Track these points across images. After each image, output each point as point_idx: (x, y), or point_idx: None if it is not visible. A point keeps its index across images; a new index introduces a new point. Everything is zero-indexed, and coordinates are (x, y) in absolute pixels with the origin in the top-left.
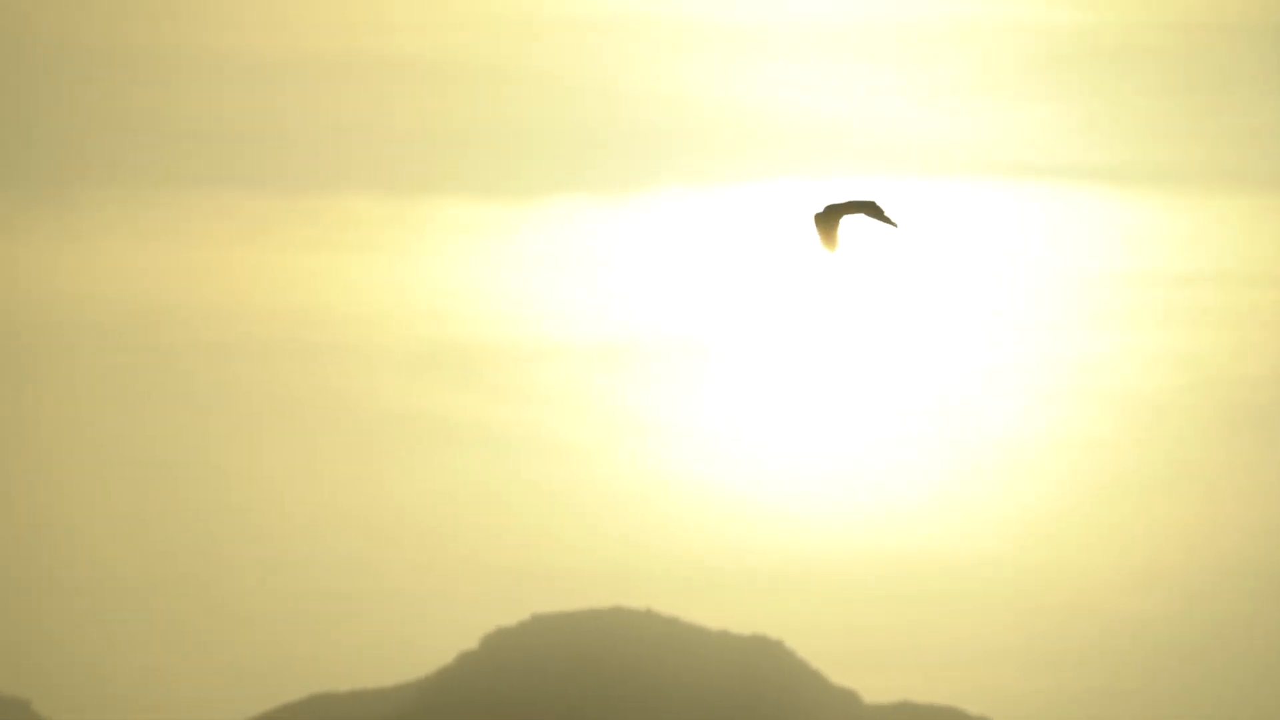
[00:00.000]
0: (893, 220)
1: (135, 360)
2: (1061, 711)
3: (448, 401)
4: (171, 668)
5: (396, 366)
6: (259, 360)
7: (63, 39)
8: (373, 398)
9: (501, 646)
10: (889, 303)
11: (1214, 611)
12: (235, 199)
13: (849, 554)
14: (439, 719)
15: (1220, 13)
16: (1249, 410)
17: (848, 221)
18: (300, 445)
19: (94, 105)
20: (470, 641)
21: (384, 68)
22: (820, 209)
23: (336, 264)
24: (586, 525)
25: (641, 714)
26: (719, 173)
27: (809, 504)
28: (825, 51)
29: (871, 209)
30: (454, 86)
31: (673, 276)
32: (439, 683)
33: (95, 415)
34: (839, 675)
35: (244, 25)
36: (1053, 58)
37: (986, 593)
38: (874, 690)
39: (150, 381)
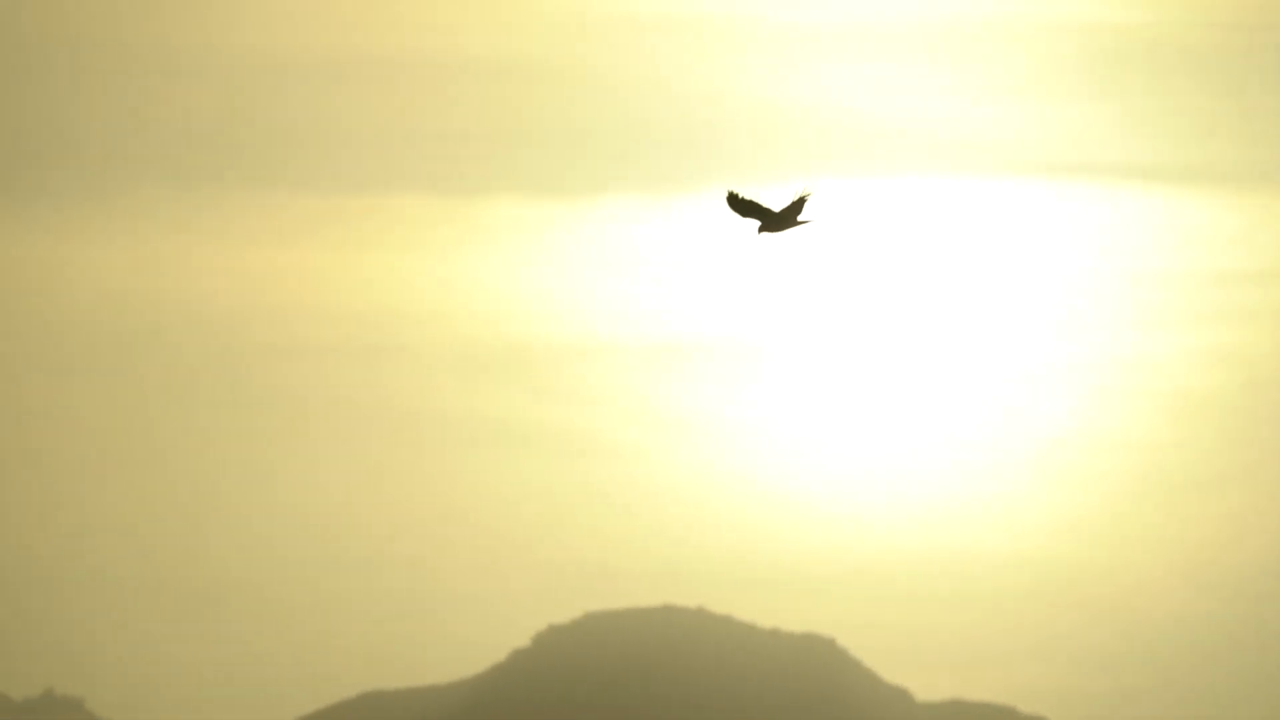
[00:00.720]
0: (806, 196)
1: (188, 361)
2: (1114, 711)
3: (499, 401)
4: (224, 665)
5: (447, 366)
6: (310, 360)
7: (117, 39)
8: (424, 397)
9: (554, 644)
10: (937, 302)
11: (1265, 610)
12: (287, 199)
13: (900, 552)
14: (491, 717)
15: (1268, 12)
16: None
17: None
18: (351, 445)
19: (147, 105)
20: (523, 639)
21: (435, 67)
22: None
23: (388, 264)
24: (638, 524)
25: (693, 713)
26: (769, 172)
27: (860, 502)
28: (872, 51)
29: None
30: (505, 86)
31: (723, 276)
32: (491, 681)
33: (148, 416)
34: (891, 673)
35: (297, 25)
36: (1101, 56)
37: (1038, 591)
38: (926, 688)
39: (203, 382)
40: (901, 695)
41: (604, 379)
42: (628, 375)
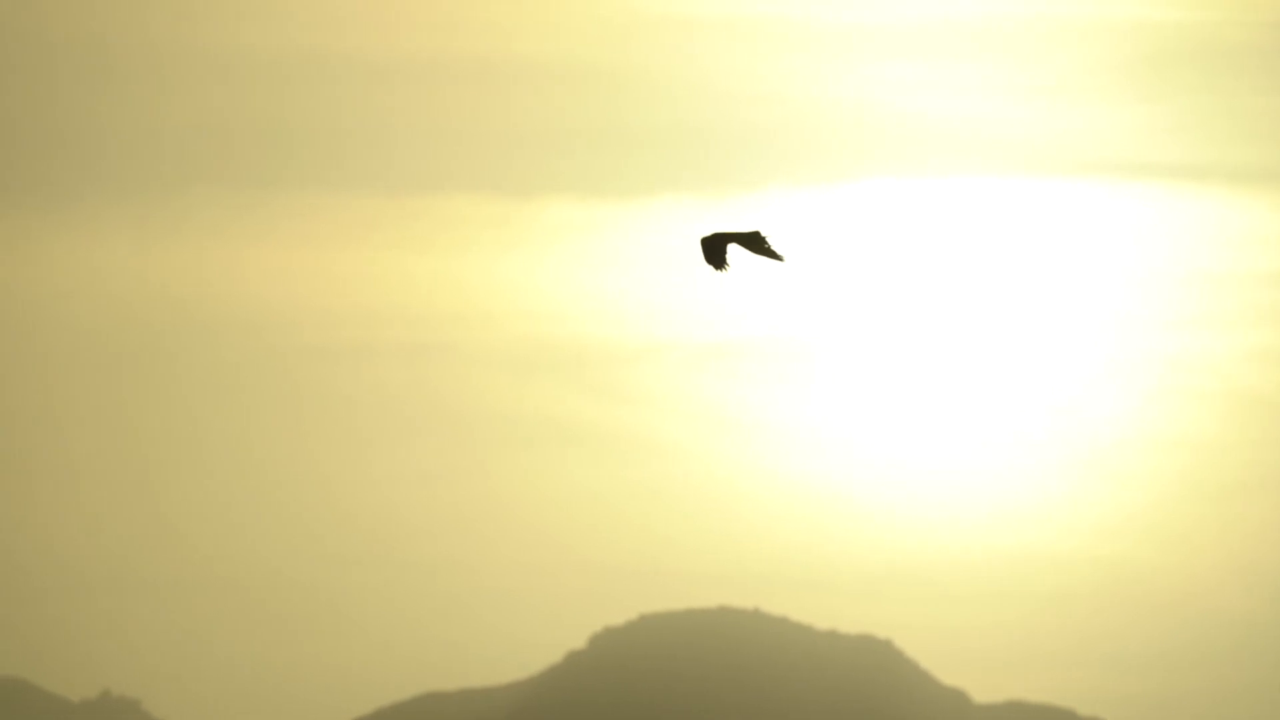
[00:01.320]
0: (778, 254)
1: (239, 363)
2: (1173, 713)
3: (553, 401)
4: (280, 666)
5: (500, 366)
6: (362, 361)
7: (165, 41)
8: (477, 398)
9: (609, 646)
10: (988, 302)
11: None
12: (340, 199)
13: (957, 553)
14: (547, 718)
15: None
16: None
17: (740, 250)
18: (404, 445)
19: (198, 105)
20: (578, 641)
21: (489, 68)
22: (708, 235)
23: (441, 264)
24: (694, 525)
25: (749, 714)
26: (823, 172)
27: (916, 503)
28: (926, 51)
29: (754, 241)
30: (559, 87)
31: (777, 276)
32: (547, 682)
33: (200, 418)
34: (948, 675)
35: (350, 26)
36: (1152, 55)
37: (1096, 592)
38: (984, 689)
39: (254, 383)
40: (959, 697)
41: (658, 379)
42: (682, 376)
